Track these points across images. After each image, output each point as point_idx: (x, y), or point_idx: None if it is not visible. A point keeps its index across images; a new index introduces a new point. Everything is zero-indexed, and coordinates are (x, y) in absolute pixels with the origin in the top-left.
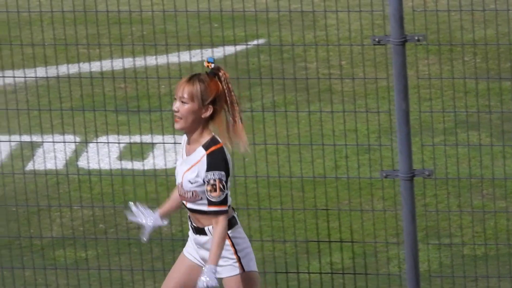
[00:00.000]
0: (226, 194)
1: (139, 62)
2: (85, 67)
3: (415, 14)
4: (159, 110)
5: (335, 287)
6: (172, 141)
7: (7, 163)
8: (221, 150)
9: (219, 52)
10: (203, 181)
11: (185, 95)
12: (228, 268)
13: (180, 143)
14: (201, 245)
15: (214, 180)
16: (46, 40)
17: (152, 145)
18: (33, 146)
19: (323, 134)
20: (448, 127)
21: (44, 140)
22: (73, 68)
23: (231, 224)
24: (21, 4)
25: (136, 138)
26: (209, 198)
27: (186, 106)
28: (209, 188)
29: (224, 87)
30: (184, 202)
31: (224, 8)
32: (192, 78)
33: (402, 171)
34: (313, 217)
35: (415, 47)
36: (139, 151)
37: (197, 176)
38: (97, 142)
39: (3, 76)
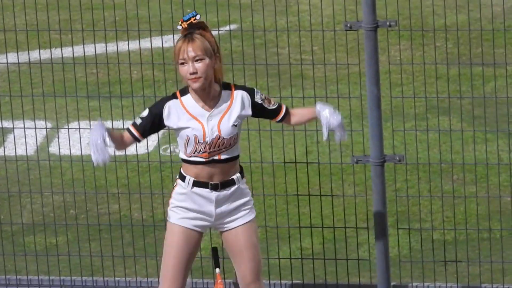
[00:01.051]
0: (276, 101)
1: (111, 47)
2: (57, 52)
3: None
4: (130, 96)
5: (305, 272)
6: None
7: None
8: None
9: None
10: (254, 111)
11: (199, 52)
12: (250, 212)
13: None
14: (226, 199)
15: (262, 95)
16: (18, 25)
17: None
18: (4, 132)
19: None
20: (419, 113)
21: (15, 126)
22: (45, 54)
23: (242, 168)
24: None
25: (108, 124)
26: (273, 108)
27: (204, 63)
28: (266, 103)
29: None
30: (217, 157)
31: None
32: (194, 36)
33: (373, 157)
34: (284, 202)
35: (387, 32)
36: None
37: (241, 114)
38: (68, 128)
39: None
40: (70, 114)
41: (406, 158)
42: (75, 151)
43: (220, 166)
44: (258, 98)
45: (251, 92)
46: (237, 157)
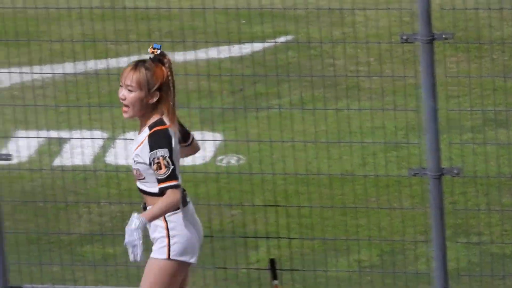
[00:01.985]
0: (173, 169)
1: None
2: (113, 62)
3: (443, 11)
4: (187, 107)
5: (363, 285)
6: (200, 138)
7: (35, 159)
8: (164, 131)
9: (246, 49)
10: (149, 163)
11: (132, 83)
12: (158, 250)
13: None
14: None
15: (158, 158)
16: (74, 35)
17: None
18: (61, 141)
19: (350, 131)
20: (476, 125)
21: (71, 136)
22: (101, 64)
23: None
24: (49, 0)
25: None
26: (157, 177)
27: (133, 94)
28: (154, 167)
29: (168, 72)
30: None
31: (252, 4)
32: (138, 66)
33: (431, 169)
34: (341, 214)
35: (443, 44)
36: None
37: (140, 155)
38: (124, 139)
39: (31, 72)
40: (126, 124)
41: (464, 171)
42: (131, 161)
43: (139, 191)
44: (150, 158)
45: (152, 146)
46: (148, 193)
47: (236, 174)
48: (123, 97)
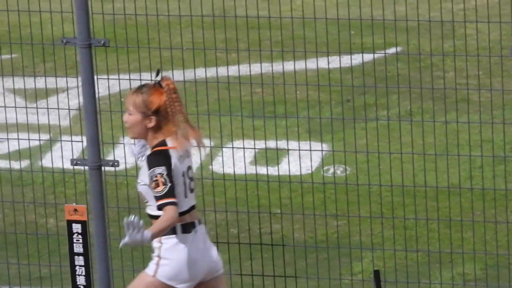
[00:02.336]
0: (170, 187)
1: (276, 67)
2: (222, 71)
3: None
4: (295, 117)
5: None
6: (307, 148)
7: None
8: (163, 151)
9: (356, 60)
10: (149, 182)
11: (130, 107)
12: (150, 265)
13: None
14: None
15: (156, 176)
16: (184, 43)
17: (287, 151)
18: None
19: (458, 144)
20: None
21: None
22: (210, 72)
23: (171, 230)
24: (160, 7)
25: (271, 144)
26: (154, 195)
27: (132, 117)
28: (153, 185)
29: (167, 98)
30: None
31: (363, 15)
32: (137, 90)
33: None
34: (446, 227)
35: None
36: (273, 156)
37: (141, 177)
38: (232, 147)
39: (140, 79)
40: (233, 133)
41: None
42: (238, 170)
43: (150, 220)
44: (149, 177)
45: (150, 165)
46: (153, 216)
47: (342, 185)
48: (125, 120)
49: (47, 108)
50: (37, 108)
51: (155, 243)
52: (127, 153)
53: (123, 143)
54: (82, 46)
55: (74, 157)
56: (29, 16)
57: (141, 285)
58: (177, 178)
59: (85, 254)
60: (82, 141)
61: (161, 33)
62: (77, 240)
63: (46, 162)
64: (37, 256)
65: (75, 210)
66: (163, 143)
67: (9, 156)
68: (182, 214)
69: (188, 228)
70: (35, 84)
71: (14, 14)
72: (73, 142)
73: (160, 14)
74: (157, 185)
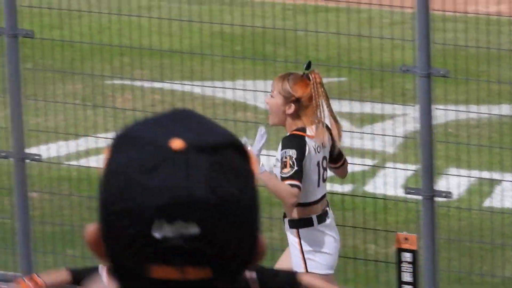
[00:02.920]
0: (297, 171)
1: None
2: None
3: None
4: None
5: None
6: None
7: (464, 198)
8: (300, 136)
9: None
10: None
11: (274, 90)
12: (296, 264)
13: None
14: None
15: (286, 158)
16: None
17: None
18: (492, 183)
19: None
20: None
21: (503, 178)
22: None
23: (306, 223)
24: (491, 39)
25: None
26: (280, 175)
27: (272, 100)
28: (281, 166)
29: (313, 90)
30: None
31: None
32: (284, 76)
33: None
34: None
35: None
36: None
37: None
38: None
39: (468, 111)
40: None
41: None
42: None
43: None
44: (279, 155)
45: (283, 145)
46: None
47: None
48: (266, 101)
49: (373, 134)
50: (363, 133)
51: (293, 237)
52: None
53: (447, 174)
54: (422, 75)
55: (398, 185)
56: (359, 41)
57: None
58: (312, 167)
59: (414, 284)
60: (408, 169)
61: (491, 65)
62: (406, 269)
63: (369, 187)
64: (355, 281)
65: (406, 238)
66: (303, 129)
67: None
68: (314, 203)
69: (322, 218)
70: (362, 109)
71: (344, 38)
72: (398, 170)
73: (491, 47)
74: (285, 166)
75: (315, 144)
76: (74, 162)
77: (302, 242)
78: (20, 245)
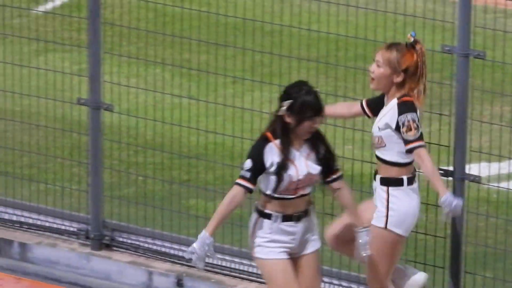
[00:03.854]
0: (421, 132)
1: None
2: None
3: None
4: None
5: None
6: None
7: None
8: (412, 102)
9: None
10: (396, 127)
11: (381, 60)
12: (377, 218)
13: None
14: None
15: (408, 121)
16: None
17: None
18: None
19: None
20: None
21: None
22: None
23: (399, 182)
24: None
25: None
26: (406, 138)
27: (380, 70)
28: (404, 129)
29: (419, 59)
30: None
31: None
32: (391, 46)
33: None
34: None
35: None
36: None
37: (388, 123)
38: None
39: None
40: None
41: None
42: None
43: (378, 162)
44: (400, 120)
45: (401, 111)
46: (388, 162)
47: None
48: (372, 70)
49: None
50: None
51: (382, 193)
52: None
53: None
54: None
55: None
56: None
57: (375, 238)
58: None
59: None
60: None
61: None
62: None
63: None
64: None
65: None
66: (409, 95)
67: None
68: (407, 164)
69: (411, 180)
70: None
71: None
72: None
73: None
74: (409, 130)
75: (418, 111)
76: (495, 184)
77: (390, 199)
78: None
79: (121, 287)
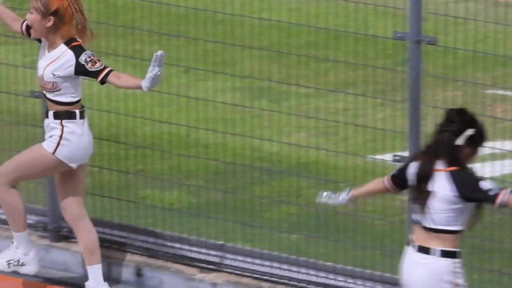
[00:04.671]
0: (102, 62)
1: None
2: None
3: None
4: None
5: None
6: None
7: None
8: (81, 45)
9: None
10: (78, 66)
11: (32, 7)
12: (48, 142)
13: None
14: (47, 128)
15: (89, 57)
16: None
17: None
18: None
19: None
20: None
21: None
22: None
23: (71, 116)
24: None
25: None
26: (94, 70)
27: (32, 16)
28: (90, 65)
29: (68, 2)
30: (44, 92)
31: None
32: None
33: None
34: None
35: None
36: None
37: (59, 69)
38: None
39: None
40: None
41: None
42: None
43: (49, 101)
44: (82, 60)
45: (78, 54)
46: (61, 103)
47: None
48: (27, 17)
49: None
50: None
51: (55, 124)
52: None
53: None
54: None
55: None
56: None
57: (37, 156)
58: None
59: None
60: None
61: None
62: None
63: None
64: None
65: None
66: (75, 39)
67: None
68: (77, 102)
69: (82, 114)
70: None
71: None
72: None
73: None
74: (94, 62)
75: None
76: None
77: (64, 129)
78: None
79: (81, 279)
